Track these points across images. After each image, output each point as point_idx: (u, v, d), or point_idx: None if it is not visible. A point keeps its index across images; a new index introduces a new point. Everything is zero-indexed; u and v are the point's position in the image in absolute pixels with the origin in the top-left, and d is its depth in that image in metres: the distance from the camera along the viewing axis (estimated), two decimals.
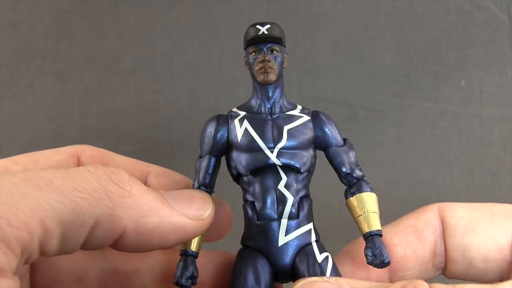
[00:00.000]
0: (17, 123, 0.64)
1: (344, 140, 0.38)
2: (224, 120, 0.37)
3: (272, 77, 0.36)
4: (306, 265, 0.34)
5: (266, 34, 0.36)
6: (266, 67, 0.36)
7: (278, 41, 0.37)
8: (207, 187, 0.37)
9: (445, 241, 0.38)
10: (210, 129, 0.37)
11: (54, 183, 0.27)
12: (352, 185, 0.37)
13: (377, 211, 0.36)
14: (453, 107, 0.64)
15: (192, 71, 0.65)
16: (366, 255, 0.35)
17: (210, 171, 0.37)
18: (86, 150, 0.40)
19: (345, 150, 0.37)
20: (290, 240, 0.35)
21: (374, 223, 0.35)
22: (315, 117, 0.37)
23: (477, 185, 0.64)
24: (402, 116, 0.64)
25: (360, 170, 0.37)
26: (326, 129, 0.37)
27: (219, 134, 0.37)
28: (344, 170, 0.37)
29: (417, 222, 0.39)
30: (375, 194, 0.37)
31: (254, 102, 0.37)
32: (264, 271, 0.35)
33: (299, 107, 0.38)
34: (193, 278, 0.35)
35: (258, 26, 0.37)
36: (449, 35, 0.65)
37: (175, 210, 0.32)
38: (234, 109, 0.38)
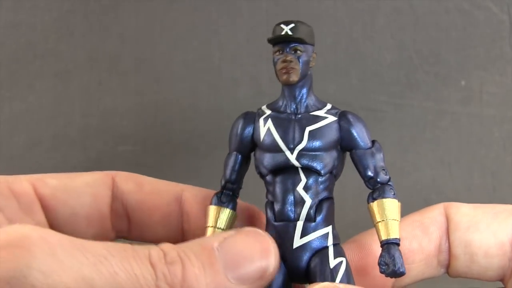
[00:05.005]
0: (17, 123, 0.64)
1: (373, 142, 0.37)
2: (251, 117, 0.37)
3: (294, 77, 0.35)
4: (318, 269, 0.34)
5: (289, 34, 0.35)
6: (288, 67, 0.35)
7: (300, 41, 0.36)
8: (233, 183, 0.37)
9: (448, 237, 0.38)
10: (237, 127, 0.37)
11: (119, 276, 0.27)
12: (375, 189, 0.35)
13: (398, 218, 0.35)
14: (453, 107, 0.64)
15: (192, 71, 0.65)
16: (379, 264, 0.33)
17: (236, 168, 0.37)
18: (120, 173, 0.42)
19: (370, 153, 0.36)
20: (306, 242, 0.35)
21: (392, 231, 0.34)
22: (342, 118, 0.36)
23: (477, 185, 0.64)
24: (402, 116, 0.64)
25: (386, 174, 0.36)
26: (353, 131, 0.36)
27: (245, 132, 0.37)
28: (368, 174, 0.36)
29: (423, 218, 0.39)
30: (397, 201, 0.35)
31: (281, 101, 0.37)
32: (278, 273, 0.34)
33: (328, 106, 0.37)
34: None
35: (282, 25, 0.36)
36: (449, 35, 0.65)
37: (233, 284, 0.29)
38: (264, 107, 0.38)
